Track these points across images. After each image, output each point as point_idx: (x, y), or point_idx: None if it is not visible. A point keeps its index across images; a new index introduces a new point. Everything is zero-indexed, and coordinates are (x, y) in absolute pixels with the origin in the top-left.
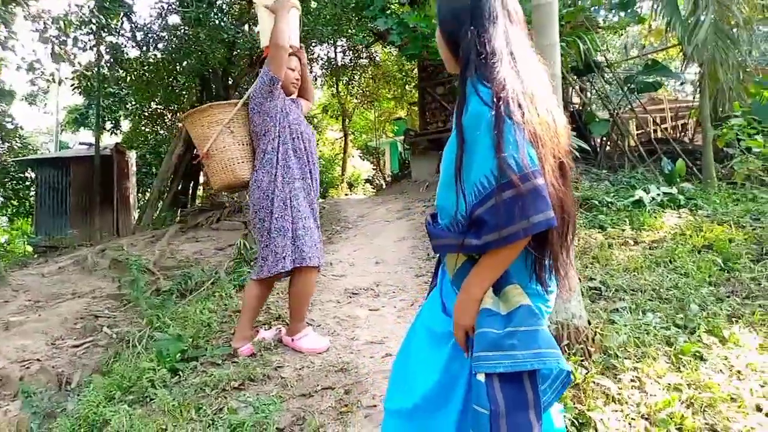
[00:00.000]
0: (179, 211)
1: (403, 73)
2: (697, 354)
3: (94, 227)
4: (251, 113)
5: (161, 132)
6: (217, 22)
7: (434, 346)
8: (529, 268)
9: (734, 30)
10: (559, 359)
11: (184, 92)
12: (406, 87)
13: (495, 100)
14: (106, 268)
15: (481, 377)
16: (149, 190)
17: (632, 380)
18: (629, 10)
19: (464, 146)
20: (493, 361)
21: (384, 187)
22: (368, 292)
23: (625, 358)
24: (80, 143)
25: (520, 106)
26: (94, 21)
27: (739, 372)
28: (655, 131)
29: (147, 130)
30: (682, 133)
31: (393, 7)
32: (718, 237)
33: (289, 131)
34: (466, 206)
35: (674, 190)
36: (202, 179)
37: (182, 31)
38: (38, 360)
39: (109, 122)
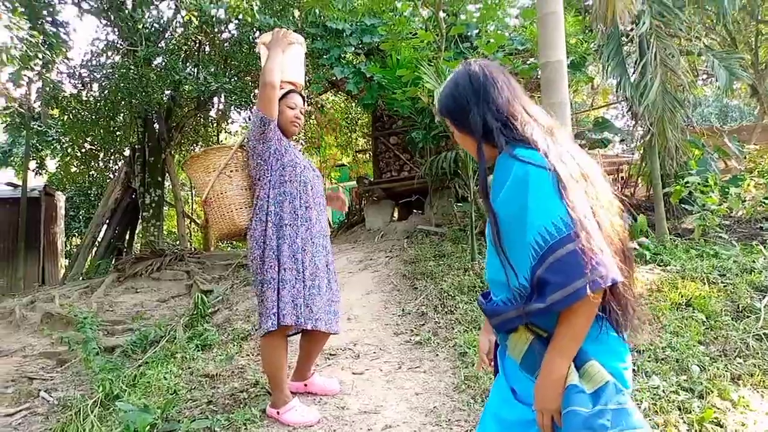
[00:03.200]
0: (115, 259)
1: (349, 121)
2: (716, 420)
3: (18, 275)
4: (247, 157)
5: (92, 173)
6: (166, 62)
7: None
8: (596, 328)
9: (679, 92)
10: None
11: (122, 132)
12: (352, 135)
13: (544, 158)
14: (36, 322)
15: None
16: (76, 235)
17: None
18: (581, 70)
19: (500, 227)
20: None
21: (329, 235)
22: (346, 352)
23: (652, 428)
24: (7, 183)
25: (572, 161)
26: (39, 56)
27: None
28: None
29: (76, 171)
30: (625, 189)
31: (348, 56)
32: (694, 294)
33: (282, 175)
34: (516, 276)
35: (636, 245)
36: (140, 226)
37: (130, 70)
38: None
39: (34, 161)
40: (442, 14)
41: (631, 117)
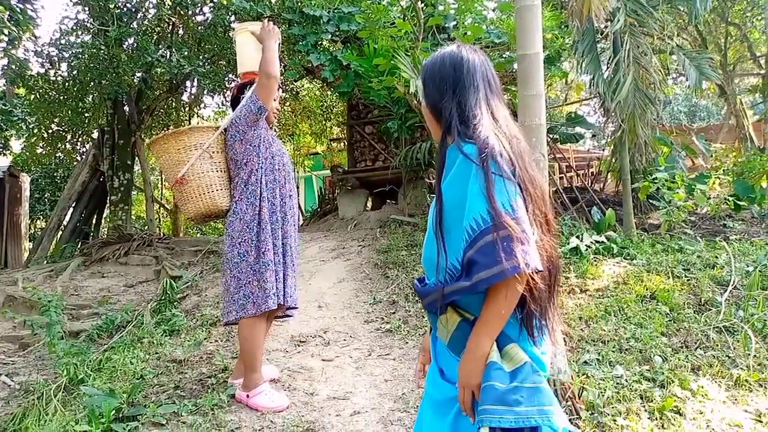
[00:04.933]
0: (81, 243)
1: (324, 109)
2: (676, 408)
3: None
4: (231, 140)
5: (59, 155)
6: (138, 43)
7: (438, 416)
8: (519, 324)
9: (650, 90)
10: (563, 417)
11: (91, 114)
12: (327, 123)
13: (480, 155)
14: None
15: (484, 431)
16: (41, 218)
17: None
18: (555, 65)
19: (443, 210)
20: (498, 415)
21: (301, 223)
22: (316, 339)
23: (613, 416)
24: None
25: (511, 163)
26: (5, 32)
27: (717, 428)
28: (570, 179)
29: (42, 152)
30: (594, 183)
31: (325, 43)
32: (658, 287)
33: (272, 163)
34: (447, 259)
35: (603, 238)
36: (107, 210)
37: (101, 50)
38: None
39: None
40: (420, 4)
41: (603, 113)
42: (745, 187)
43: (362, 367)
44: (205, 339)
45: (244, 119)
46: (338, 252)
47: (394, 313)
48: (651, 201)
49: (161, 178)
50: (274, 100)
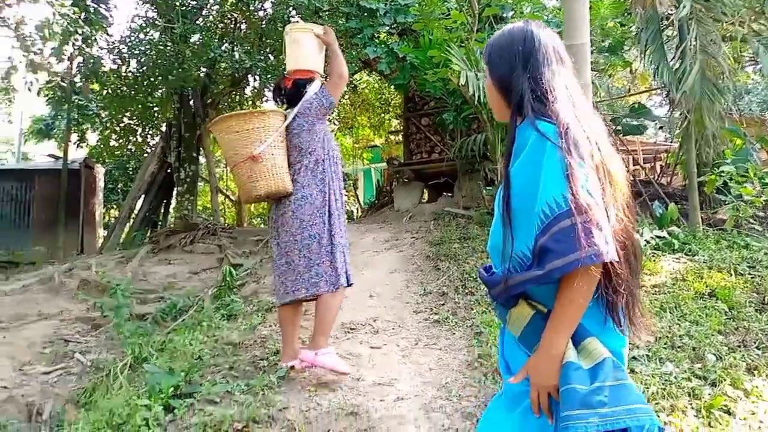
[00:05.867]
0: (150, 232)
1: (383, 102)
2: (725, 408)
3: (58, 244)
4: (299, 129)
5: (130, 147)
6: (202, 40)
7: (505, 407)
8: (602, 312)
9: (720, 80)
10: (651, 415)
11: (159, 108)
12: (385, 116)
13: (561, 135)
14: (73, 288)
15: None
16: (114, 207)
17: None
18: (617, 54)
19: (511, 194)
20: (584, 420)
21: (359, 215)
22: (366, 327)
23: (657, 412)
24: (49, 155)
25: (589, 144)
26: (79, 32)
27: None
28: (635, 172)
29: (115, 144)
30: (660, 176)
31: (382, 36)
32: (719, 284)
33: (334, 156)
34: (514, 246)
35: (665, 234)
36: (174, 201)
37: (168, 47)
38: (5, 387)
39: (76, 134)
40: None
41: (668, 103)
42: None
43: (408, 356)
44: (259, 324)
45: (315, 111)
46: (392, 243)
47: (443, 304)
48: (719, 195)
49: (226, 170)
50: None
